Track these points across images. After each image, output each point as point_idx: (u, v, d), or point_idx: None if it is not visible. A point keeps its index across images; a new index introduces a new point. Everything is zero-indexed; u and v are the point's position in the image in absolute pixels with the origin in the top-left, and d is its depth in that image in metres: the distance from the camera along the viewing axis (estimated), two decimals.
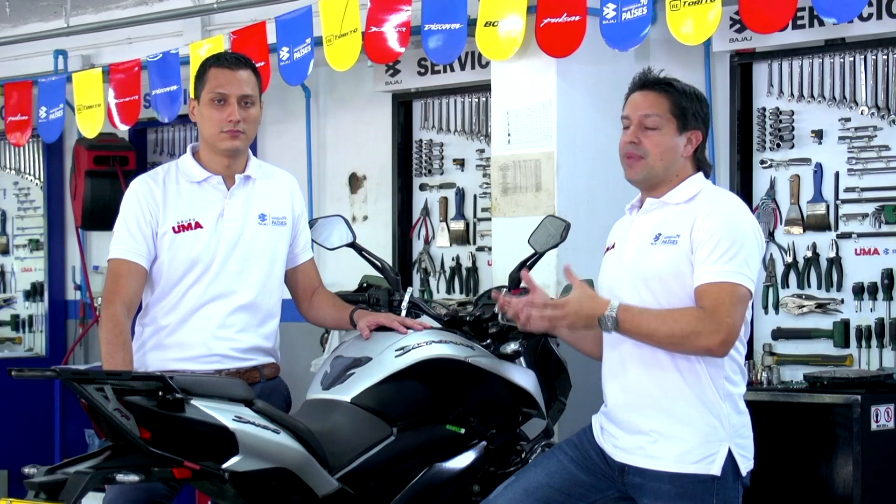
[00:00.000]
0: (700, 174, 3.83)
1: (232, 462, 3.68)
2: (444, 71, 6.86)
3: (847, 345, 5.74)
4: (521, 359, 4.51)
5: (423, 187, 7.21)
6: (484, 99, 6.85)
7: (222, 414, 3.69)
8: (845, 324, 5.74)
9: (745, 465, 3.73)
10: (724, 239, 3.62)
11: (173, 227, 4.26)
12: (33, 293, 9.12)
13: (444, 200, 7.11)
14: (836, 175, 5.80)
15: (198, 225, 4.27)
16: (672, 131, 3.76)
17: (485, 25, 5.92)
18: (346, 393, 4.21)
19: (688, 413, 3.68)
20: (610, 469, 3.82)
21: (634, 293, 3.74)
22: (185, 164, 4.35)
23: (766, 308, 5.89)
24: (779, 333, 5.90)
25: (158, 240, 4.25)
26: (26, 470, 3.59)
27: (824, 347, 5.80)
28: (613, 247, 3.90)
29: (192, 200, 4.29)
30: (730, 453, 3.67)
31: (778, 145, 5.95)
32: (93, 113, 7.64)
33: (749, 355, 5.64)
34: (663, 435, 3.70)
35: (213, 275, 4.26)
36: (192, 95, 4.38)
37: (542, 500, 3.84)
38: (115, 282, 4.23)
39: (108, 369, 3.96)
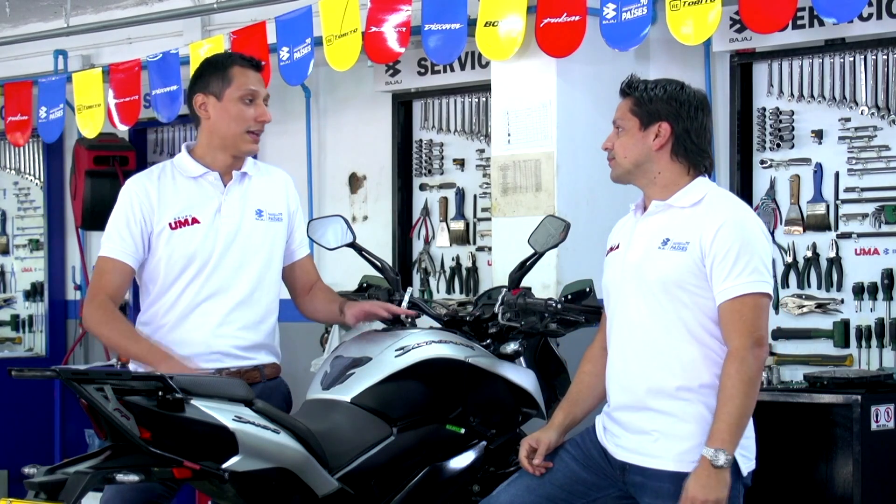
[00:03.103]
0: (704, 179, 3.83)
1: (232, 462, 3.69)
2: (444, 71, 6.86)
3: (847, 345, 5.74)
4: (521, 359, 4.51)
5: (423, 187, 7.21)
6: (484, 99, 6.85)
7: (222, 414, 3.69)
8: (845, 324, 5.74)
9: (746, 464, 3.74)
10: (741, 252, 3.66)
11: (170, 224, 4.25)
12: (33, 293, 9.12)
13: (444, 200, 7.11)
14: (836, 175, 5.80)
15: (195, 220, 4.26)
16: (634, 129, 3.82)
17: (485, 25, 5.92)
18: (346, 393, 4.21)
19: (689, 413, 3.70)
20: (611, 468, 3.84)
21: (638, 296, 3.76)
22: (180, 160, 4.34)
23: None
24: (779, 333, 5.90)
25: (154, 237, 4.24)
26: (26, 470, 3.59)
27: (824, 347, 5.80)
28: (617, 247, 3.91)
29: (188, 196, 4.29)
30: None
31: (778, 145, 5.95)
32: (93, 113, 7.64)
33: None
34: (665, 434, 3.72)
35: (211, 270, 4.25)
36: (203, 91, 4.29)
37: (544, 497, 3.88)
38: (99, 278, 4.26)
39: (107, 368, 3.97)
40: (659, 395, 3.72)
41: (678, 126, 3.80)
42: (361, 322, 4.47)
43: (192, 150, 4.36)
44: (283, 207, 4.42)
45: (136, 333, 4.23)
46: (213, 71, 4.30)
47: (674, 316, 3.71)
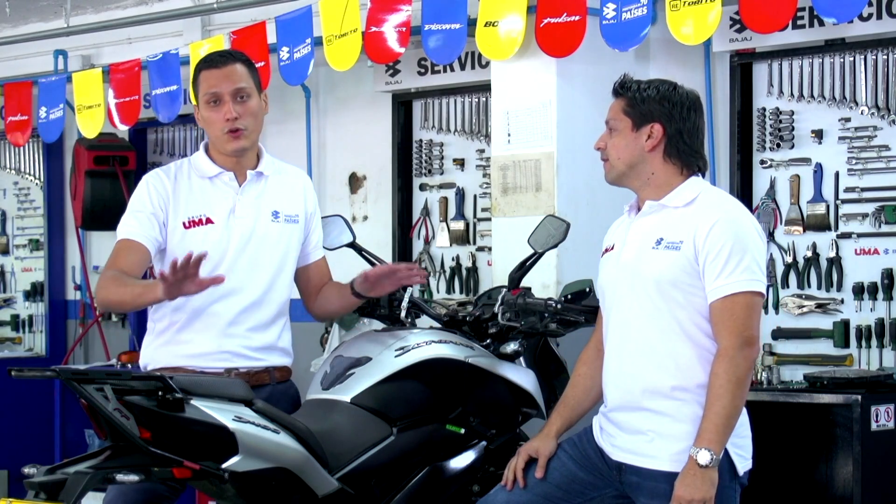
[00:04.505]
0: (696, 178, 3.83)
1: (232, 462, 3.68)
2: (444, 71, 6.86)
3: (847, 345, 5.74)
4: (521, 359, 4.51)
5: (423, 187, 7.21)
6: (484, 99, 6.85)
7: (222, 414, 3.69)
8: (845, 324, 5.74)
9: (743, 464, 3.74)
10: (734, 251, 3.66)
11: (184, 223, 4.23)
12: (33, 293, 9.12)
13: (444, 200, 7.11)
14: (836, 175, 5.81)
15: (209, 220, 4.24)
16: (627, 130, 3.84)
17: (485, 25, 5.92)
18: (346, 393, 4.21)
19: (684, 413, 3.70)
20: (608, 468, 3.84)
21: (632, 296, 3.76)
22: (197, 160, 4.33)
23: (766, 308, 5.89)
24: (779, 333, 5.91)
25: (168, 232, 4.23)
26: (26, 470, 3.59)
27: (824, 347, 5.80)
28: (612, 248, 3.92)
29: (203, 196, 4.27)
30: (726, 453, 3.68)
31: (778, 145, 5.95)
32: (93, 113, 7.64)
33: None
34: (660, 434, 3.72)
35: (223, 271, 4.20)
36: (193, 102, 4.36)
37: (541, 496, 3.88)
38: (114, 257, 4.21)
39: (107, 368, 3.96)
40: (654, 395, 3.73)
41: (671, 127, 3.80)
42: (375, 288, 4.37)
43: (208, 149, 4.35)
44: (301, 209, 4.39)
45: (126, 278, 4.12)
46: (192, 80, 4.33)
47: (669, 316, 3.72)
